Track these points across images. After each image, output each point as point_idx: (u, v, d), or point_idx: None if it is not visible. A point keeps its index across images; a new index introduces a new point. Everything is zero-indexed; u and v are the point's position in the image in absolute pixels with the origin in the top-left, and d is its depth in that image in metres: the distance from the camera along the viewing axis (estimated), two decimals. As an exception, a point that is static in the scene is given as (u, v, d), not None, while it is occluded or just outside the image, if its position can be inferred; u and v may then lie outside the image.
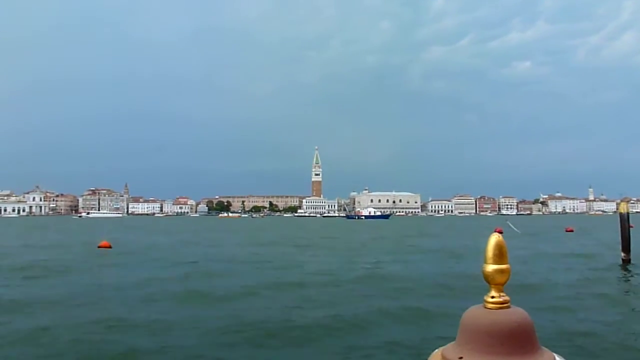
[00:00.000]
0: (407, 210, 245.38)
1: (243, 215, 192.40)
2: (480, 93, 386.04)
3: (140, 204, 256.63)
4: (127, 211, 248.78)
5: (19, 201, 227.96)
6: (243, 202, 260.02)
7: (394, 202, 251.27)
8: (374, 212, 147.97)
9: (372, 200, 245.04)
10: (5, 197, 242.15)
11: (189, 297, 10.32)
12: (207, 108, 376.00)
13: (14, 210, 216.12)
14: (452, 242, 29.36)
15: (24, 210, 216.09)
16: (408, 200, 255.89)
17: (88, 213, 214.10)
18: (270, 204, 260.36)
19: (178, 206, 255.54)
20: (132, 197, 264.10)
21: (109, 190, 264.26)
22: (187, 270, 14.63)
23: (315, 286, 11.84)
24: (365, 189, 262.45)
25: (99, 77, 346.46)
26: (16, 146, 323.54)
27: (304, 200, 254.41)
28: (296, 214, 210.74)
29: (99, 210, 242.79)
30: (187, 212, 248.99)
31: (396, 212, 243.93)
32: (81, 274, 13.89)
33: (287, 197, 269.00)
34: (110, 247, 22.95)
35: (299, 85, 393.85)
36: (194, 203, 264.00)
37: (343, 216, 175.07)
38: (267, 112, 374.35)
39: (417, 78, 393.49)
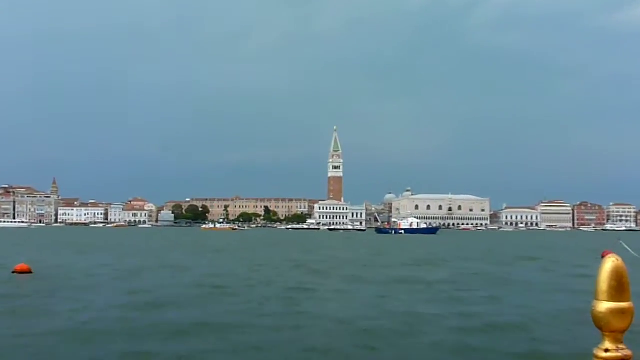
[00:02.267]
0: (469, 220, 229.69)
1: (239, 228, 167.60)
2: (579, 49, 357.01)
3: (76, 209, 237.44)
4: (56, 219, 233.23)
5: None
6: (226, 207, 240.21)
7: (449, 209, 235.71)
8: (417, 223, 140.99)
9: (417, 207, 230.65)
10: None
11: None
12: (173, 73, 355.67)
13: None
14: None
15: None
16: (471, 206, 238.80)
17: None
18: (267, 210, 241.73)
19: (131, 212, 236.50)
20: (63, 199, 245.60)
21: (29, 188, 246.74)
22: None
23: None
24: (408, 190, 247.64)
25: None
26: None
27: (316, 206, 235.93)
28: (304, 226, 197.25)
29: (14, 217, 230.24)
30: (143, 221, 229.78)
31: (451, 223, 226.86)
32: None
33: (291, 200, 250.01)
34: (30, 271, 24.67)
35: (310, 37, 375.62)
36: (153, 208, 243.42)
37: (373, 229, 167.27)
38: (262, 77, 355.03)
39: (482, 27, 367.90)
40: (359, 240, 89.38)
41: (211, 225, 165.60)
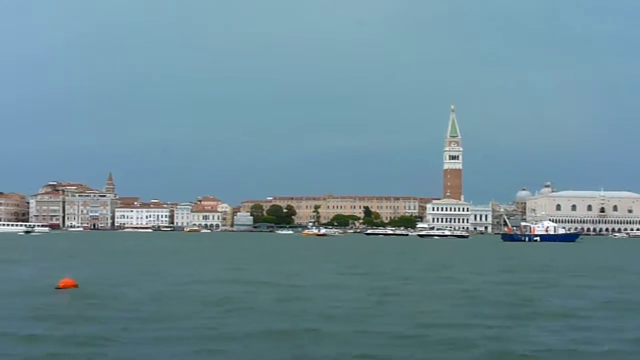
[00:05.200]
0: (627, 225, 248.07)
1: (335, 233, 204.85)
2: None
3: (136, 210, 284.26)
4: (113, 222, 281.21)
5: None
6: (317, 208, 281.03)
7: (601, 209, 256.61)
8: (554, 228, 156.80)
9: (558, 207, 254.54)
10: None
11: None
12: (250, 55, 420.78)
13: None
14: None
15: None
16: (631, 206, 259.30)
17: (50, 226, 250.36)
18: (367, 211, 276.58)
19: (201, 214, 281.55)
20: (120, 199, 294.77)
21: (80, 185, 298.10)
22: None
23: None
24: (547, 186, 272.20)
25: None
26: None
27: (428, 206, 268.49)
28: (413, 231, 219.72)
29: (63, 220, 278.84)
30: (216, 225, 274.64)
31: (604, 228, 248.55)
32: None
33: (397, 199, 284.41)
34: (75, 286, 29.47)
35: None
36: (228, 209, 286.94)
37: (499, 234, 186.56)
38: (354, 38, 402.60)
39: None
40: (480, 250, 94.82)
41: (314, 230, 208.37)
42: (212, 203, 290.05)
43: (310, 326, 20.19)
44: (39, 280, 33.93)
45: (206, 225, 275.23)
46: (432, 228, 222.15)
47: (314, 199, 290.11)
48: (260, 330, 19.66)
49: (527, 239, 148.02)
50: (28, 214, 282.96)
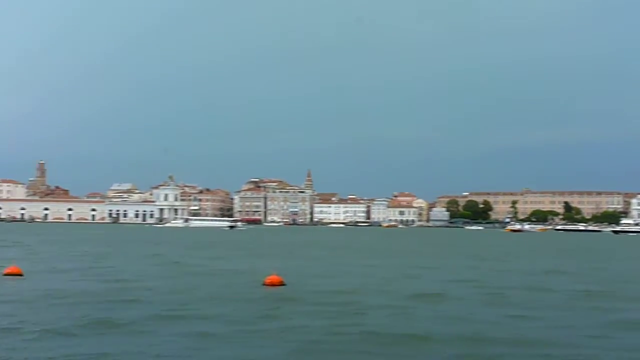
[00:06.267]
0: None
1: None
2: None
3: (334, 206, 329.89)
4: (312, 217, 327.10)
5: (145, 201, 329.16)
6: (514, 203, 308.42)
7: None
8: None
9: None
10: (125, 195, 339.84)
11: None
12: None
13: (136, 216, 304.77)
14: None
15: (151, 216, 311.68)
16: None
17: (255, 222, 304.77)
18: (567, 207, 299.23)
19: (397, 209, 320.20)
20: (319, 195, 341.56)
21: (280, 181, 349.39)
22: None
23: None
24: None
25: None
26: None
27: (633, 201, 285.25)
28: (608, 227, 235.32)
29: (265, 215, 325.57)
30: (412, 220, 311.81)
31: None
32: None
33: (599, 194, 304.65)
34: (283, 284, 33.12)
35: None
36: (424, 204, 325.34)
37: None
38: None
39: None
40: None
41: (517, 226, 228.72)
42: (407, 199, 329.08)
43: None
44: (248, 275, 38.89)
45: (402, 220, 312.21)
46: (638, 224, 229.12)
47: (511, 194, 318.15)
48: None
49: None
50: (232, 209, 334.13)
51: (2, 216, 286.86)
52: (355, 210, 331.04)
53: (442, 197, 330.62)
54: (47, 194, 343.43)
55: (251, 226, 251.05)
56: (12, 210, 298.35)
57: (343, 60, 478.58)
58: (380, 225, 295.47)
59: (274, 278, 34.01)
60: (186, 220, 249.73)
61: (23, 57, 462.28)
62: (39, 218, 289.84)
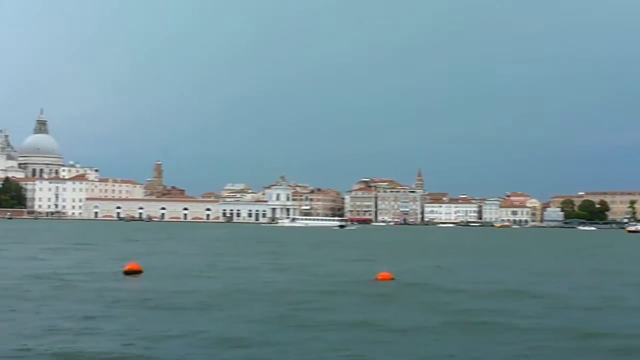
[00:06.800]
0: None
1: None
2: None
3: (444, 206, 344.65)
4: (422, 217, 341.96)
5: (257, 201, 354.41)
6: (632, 203, 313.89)
7: None
8: None
9: None
10: (239, 195, 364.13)
11: None
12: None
13: (249, 216, 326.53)
14: None
15: (264, 215, 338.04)
16: None
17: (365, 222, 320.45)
18: None
19: (509, 209, 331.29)
20: (429, 195, 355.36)
21: (390, 181, 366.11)
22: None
23: None
24: None
25: None
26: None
27: None
28: None
29: (375, 215, 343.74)
30: (525, 221, 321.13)
31: None
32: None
33: None
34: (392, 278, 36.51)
35: None
36: (537, 204, 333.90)
37: None
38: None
39: None
40: None
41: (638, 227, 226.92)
42: (520, 198, 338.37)
43: None
44: (361, 274, 41.98)
45: (514, 220, 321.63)
46: None
47: (629, 193, 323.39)
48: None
49: None
50: (343, 209, 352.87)
51: (122, 215, 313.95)
52: (466, 210, 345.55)
53: (556, 197, 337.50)
54: (164, 194, 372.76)
55: (361, 226, 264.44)
56: (131, 209, 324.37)
57: (456, 56, 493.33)
58: (492, 225, 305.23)
59: (385, 274, 39.16)
60: (293, 219, 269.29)
61: (150, 56, 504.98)
62: (156, 217, 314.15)
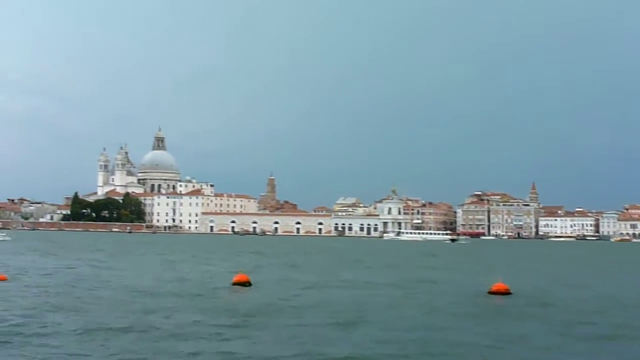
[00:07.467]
0: None
1: None
2: None
3: (560, 219, 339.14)
4: (537, 231, 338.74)
5: (369, 215, 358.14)
6: None
7: None
8: None
9: None
10: (350, 209, 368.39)
11: None
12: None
13: (361, 229, 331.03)
14: None
15: (375, 229, 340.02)
16: None
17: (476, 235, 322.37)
18: None
19: (628, 223, 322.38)
20: (544, 208, 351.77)
21: (503, 194, 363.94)
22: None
23: None
24: None
25: None
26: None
27: None
28: None
29: (488, 228, 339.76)
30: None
31: None
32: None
33: None
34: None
35: None
36: None
37: None
38: None
39: None
40: None
41: None
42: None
43: None
44: (474, 286, 45.63)
45: (634, 234, 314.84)
46: None
47: None
48: None
49: None
50: (455, 223, 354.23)
51: (236, 229, 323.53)
52: (582, 224, 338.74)
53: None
54: (277, 208, 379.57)
55: (473, 239, 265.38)
56: (245, 223, 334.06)
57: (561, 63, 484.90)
58: (609, 239, 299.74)
59: (499, 285, 41.23)
60: (398, 233, 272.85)
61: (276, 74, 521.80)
62: (269, 231, 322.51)
